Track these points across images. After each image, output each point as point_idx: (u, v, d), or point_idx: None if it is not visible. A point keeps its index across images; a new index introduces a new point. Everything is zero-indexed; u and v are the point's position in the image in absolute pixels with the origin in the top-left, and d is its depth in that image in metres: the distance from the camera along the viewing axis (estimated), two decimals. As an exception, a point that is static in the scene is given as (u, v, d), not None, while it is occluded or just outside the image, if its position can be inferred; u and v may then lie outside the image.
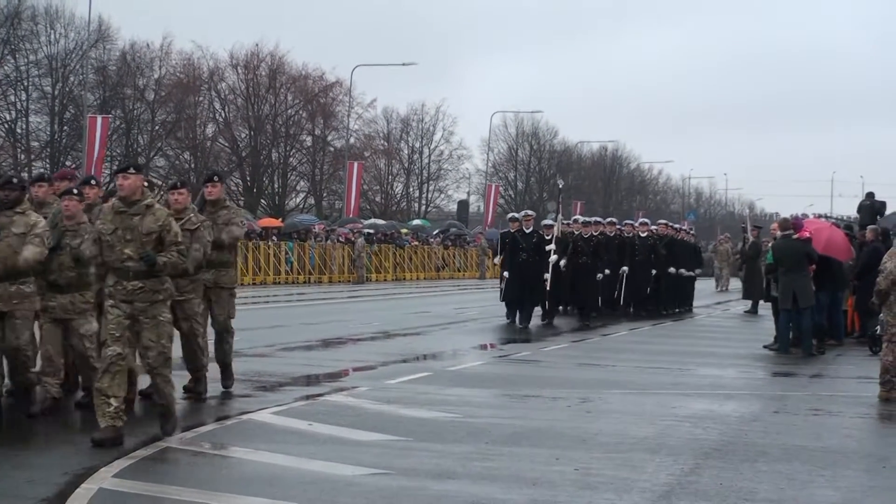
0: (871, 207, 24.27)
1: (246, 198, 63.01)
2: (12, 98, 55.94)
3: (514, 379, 14.23)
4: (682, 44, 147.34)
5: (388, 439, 9.56)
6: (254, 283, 38.11)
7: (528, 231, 22.62)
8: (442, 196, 79.03)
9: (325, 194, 68.89)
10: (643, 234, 27.23)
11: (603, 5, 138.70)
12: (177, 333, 11.43)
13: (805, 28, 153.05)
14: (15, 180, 10.51)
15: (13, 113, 56.03)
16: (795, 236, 17.96)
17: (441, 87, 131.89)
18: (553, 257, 22.50)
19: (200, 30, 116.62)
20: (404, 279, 48.09)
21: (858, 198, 27.93)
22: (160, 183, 44.97)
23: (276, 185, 66.49)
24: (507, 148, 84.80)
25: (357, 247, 44.13)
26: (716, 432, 10.38)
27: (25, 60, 55.65)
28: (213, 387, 12.04)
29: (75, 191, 10.63)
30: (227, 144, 64.56)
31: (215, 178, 12.12)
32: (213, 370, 12.02)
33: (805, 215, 23.63)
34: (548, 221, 23.90)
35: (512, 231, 22.84)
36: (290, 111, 65.82)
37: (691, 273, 28.95)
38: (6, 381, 10.46)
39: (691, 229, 34.80)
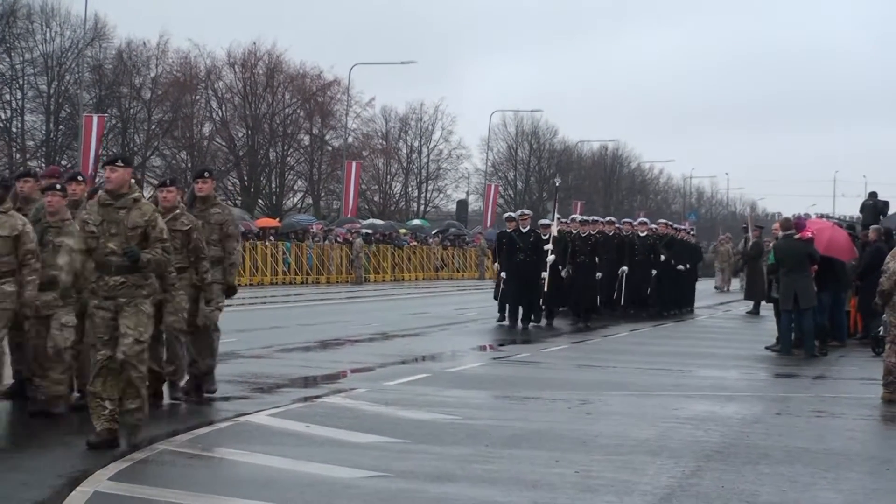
0: (874, 207, 24.23)
1: (243, 197, 62.96)
2: (7, 97, 55.85)
3: (513, 380, 14.19)
4: (683, 43, 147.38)
5: (386, 441, 9.52)
6: (251, 284, 38.04)
7: (524, 231, 22.50)
8: (441, 196, 79.01)
9: (322, 194, 68.81)
10: (642, 234, 27.09)
11: (603, 5, 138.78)
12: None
13: (805, 28, 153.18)
14: None
15: (8, 112, 55.96)
16: (797, 236, 17.88)
17: (440, 86, 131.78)
18: (550, 257, 22.42)
19: (197, 28, 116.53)
20: (403, 280, 48.05)
21: (861, 197, 27.97)
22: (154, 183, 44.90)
23: (273, 185, 66.43)
24: (507, 147, 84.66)
25: (355, 247, 44.07)
26: (717, 434, 10.34)
27: (21, 59, 55.58)
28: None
29: (58, 186, 10.50)
30: (224, 144, 64.48)
31: (205, 175, 12.01)
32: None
33: (807, 215, 23.56)
34: (545, 221, 23.81)
35: (509, 231, 22.76)
36: (287, 110, 65.75)
37: (690, 266, 28.73)
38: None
39: (692, 230, 34.70)
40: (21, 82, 55.75)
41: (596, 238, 23.77)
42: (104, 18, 56.84)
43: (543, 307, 22.99)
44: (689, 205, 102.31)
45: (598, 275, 23.62)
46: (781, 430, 10.69)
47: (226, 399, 11.76)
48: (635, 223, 28.18)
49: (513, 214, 23.51)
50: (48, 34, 55.89)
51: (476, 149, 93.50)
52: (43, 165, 51.48)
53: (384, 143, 74.99)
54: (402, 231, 53.98)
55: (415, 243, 52.17)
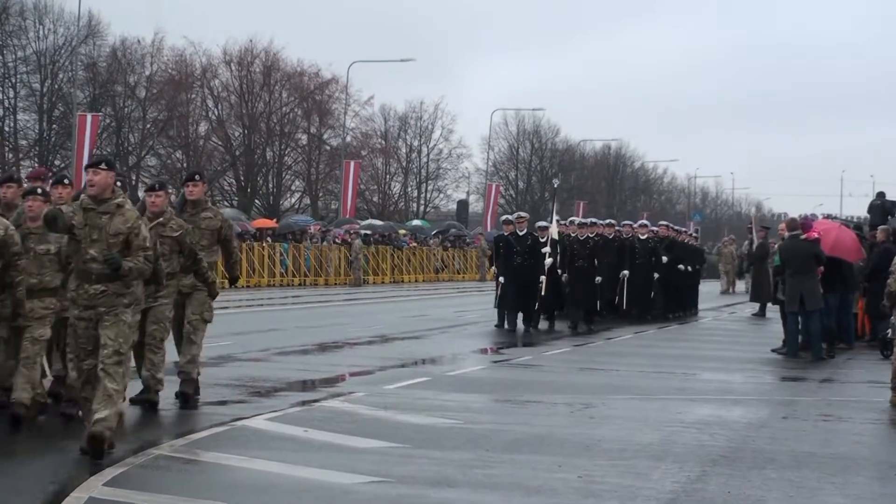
0: (882, 207, 24.05)
1: (240, 198, 62.97)
2: (0, 95, 55.77)
3: (514, 384, 14.13)
4: (684, 43, 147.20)
5: (385, 446, 9.45)
6: (248, 286, 37.98)
7: (521, 233, 22.32)
8: (441, 196, 78.85)
9: (320, 194, 68.79)
10: (643, 236, 26.88)
11: (606, 2, 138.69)
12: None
13: (805, 27, 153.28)
14: None
15: (1, 111, 55.92)
16: (803, 237, 17.73)
17: (440, 85, 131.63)
18: (548, 260, 22.29)
19: (193, 25, 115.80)
20: (402, 281, 48.05)
21: (869, 197, 27.87)
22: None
23: (270, 185, 66.36)
24: (508, 146, 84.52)
25: (354, 248, 43.99)
26: (723, 438, 10.29)
27: (13, 56, 55.56)
28: (206, 393, 11.89)
29: (39, 190, 10.26)
30: (220, 143, 64.39)
31: (196, 178, 11.87)
32: (207, 375, 11.88)
33: (814, 215, 23.37)
34: (542, 223, 23.63)
35: (506, 234, 22.62)
36: (284, 109, 65.68)
37: (691, 268, 28.62)
38: None
39: (694, 232, 34.59)
40: (14, 80, 55.77)
41: (595, 241, 23.54)
42: (98, 16, 56.87)
43: (539, 311, 22.79)
44: (694, 205, 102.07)
45: (598, 279, 23.38)
46: (788, 435, 10.63)
47: (223, 403, 11.70)
48: (635, 225, 28.00)
49: (510, 217, 23.33)
50: (41, 31, 55.87)
51: (477, 148, 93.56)
52: (35, 165, 51.45)
53: (383, 142, 74.87)
54: (402, 232, 53.91)
55: (414, 244, 52.11)
